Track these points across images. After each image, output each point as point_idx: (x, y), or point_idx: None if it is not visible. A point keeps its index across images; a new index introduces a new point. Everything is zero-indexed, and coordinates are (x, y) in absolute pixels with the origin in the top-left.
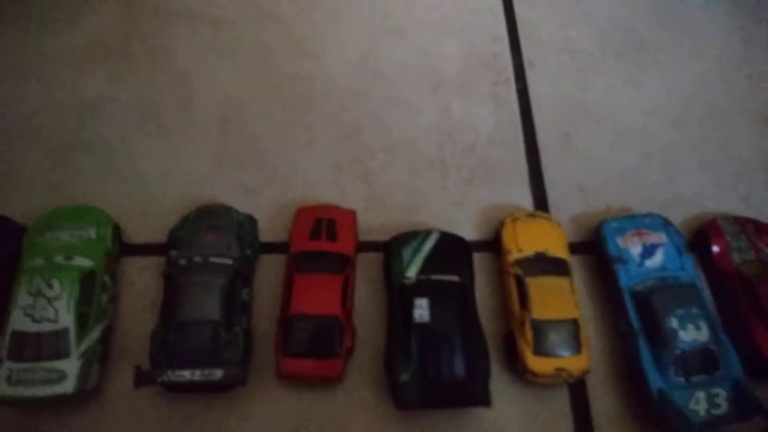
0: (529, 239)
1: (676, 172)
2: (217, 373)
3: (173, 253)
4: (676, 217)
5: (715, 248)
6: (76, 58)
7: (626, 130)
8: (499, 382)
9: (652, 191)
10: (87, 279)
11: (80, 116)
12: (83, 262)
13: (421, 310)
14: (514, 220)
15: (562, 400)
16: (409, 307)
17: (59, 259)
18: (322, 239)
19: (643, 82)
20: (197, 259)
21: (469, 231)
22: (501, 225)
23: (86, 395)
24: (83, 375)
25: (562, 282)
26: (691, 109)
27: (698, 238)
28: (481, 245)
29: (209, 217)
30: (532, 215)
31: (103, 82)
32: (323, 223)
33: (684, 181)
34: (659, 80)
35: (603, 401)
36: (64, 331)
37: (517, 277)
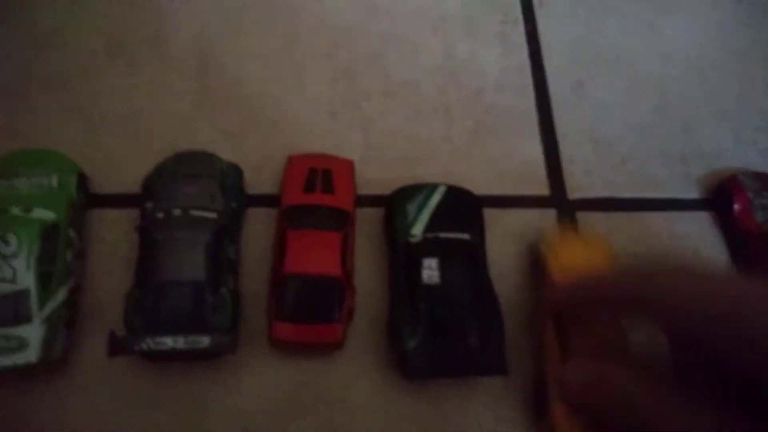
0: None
1: (693, 124)
2: (204, 341)
3: (149, 205)
4: (695, 171)
5: (737, 206)
6: None
7: (642, 77)
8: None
9: (669, 144)
10: (49, 233)
11: (34, 49)
12: (44, 214)
13: (430, 271)
14: (555, 249)
15: None
16: (415, 268)
17: (16, 210)
18: (318, 192)
19: (660, 26)
20: (176, 212)
21: (477, 185)
22: (541, 254)
23: (52, 364)
24: (48, 342)
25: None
26: (709, 55)
27: (717, 194)
28: (491, 200)
29: (189, 165)
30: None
31: (61, 10)
32: (318, 173)
33: (702, 133)
34: (676, 24)
35: None
36: (24, 293)
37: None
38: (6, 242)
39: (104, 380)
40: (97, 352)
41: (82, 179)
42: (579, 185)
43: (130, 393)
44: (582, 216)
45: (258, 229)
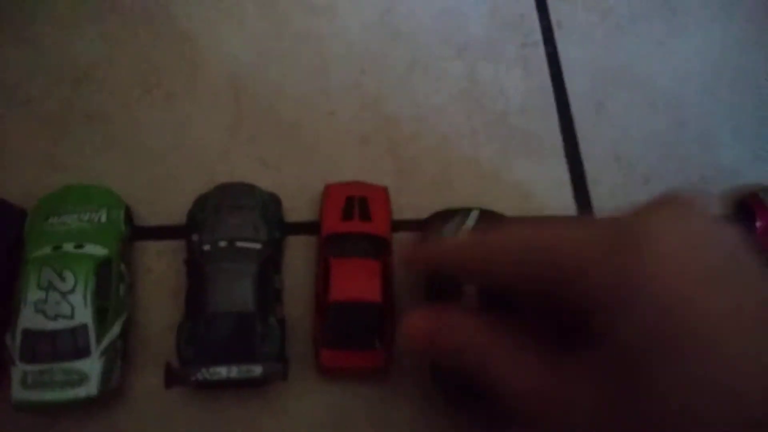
0: None
1: (711, 142)
2: (257, 369)
3: (194, 237)
4: (714, 188)
5: (759, 223)
6: (64, 17)
7: (659, 96)
8: None
9: (689, 162)
10: (103, 269)
11: (74, 83)
12: (96, 249)
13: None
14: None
15: None
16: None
17: (69, 247)
18: (356, 219)
19: (673, 46)
20: (222, 243)
21: (506, 207)
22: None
23: (108, 397)
24: (106, 375)
25: None
26: (722, 74)
27: (738, 212)
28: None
29: (231, 197)
30: None
31: (97, 45)
32: (355, 201)
33: (720, 150)
34: (688, 44)
35: None
36: (83, 328)
37: None
38: (63, 279)
39: (158, 409)
40: (149, 383)
41: (128, 213)
42: (605, 206)
43: (183, 422)
44: None
45: (296, 256)
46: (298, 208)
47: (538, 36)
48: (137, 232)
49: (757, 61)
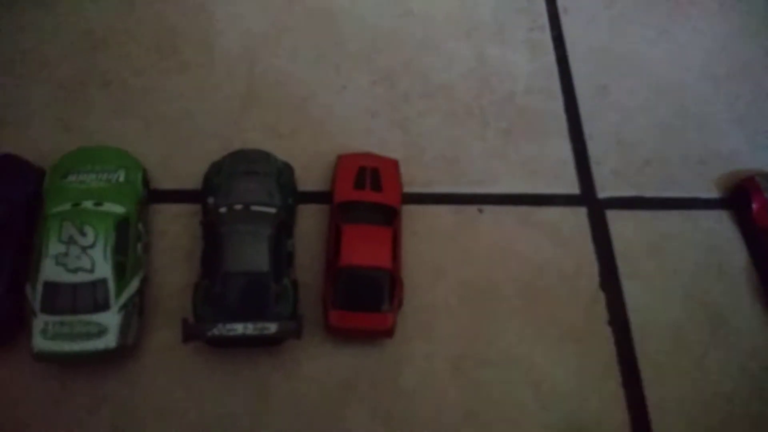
0: None
1: (710, 127)
2: (271, 327)
3: (210, 200)
4: (713, 173)
5: (755, 205)
6: None
7: (661, 83)
8: (547, 338)
9: (688, 146)
10: (121, 226)
11: (90, 48)
12: (115, 207)
13: None
14: None
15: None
16: None
17: (88, 204)
18: (367, 189)
19: (676, 33)
20: (238, 206)
21: (512, 184)
22: None
23: (125, 351)
24: (124, 329)
25: None
26: (723, 62)
27: (735, 195)
28: (525, 198)
29: (247, 162)
30: None
31: (114, 11)
32: (367, 172)
33: (719, 135)
34: (691, 31)
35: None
36: (102, 282)
37: None
38: (83, 234)
39: (172, 365)
40: (165, 338)
41: (145, 175)
42: (607, 185)
43: (197, 378)
44: (611, 214)
45: (308, 223)
46: (309, 177)
47: (545, 20)
48: (153, 195)
49: (758, 50)
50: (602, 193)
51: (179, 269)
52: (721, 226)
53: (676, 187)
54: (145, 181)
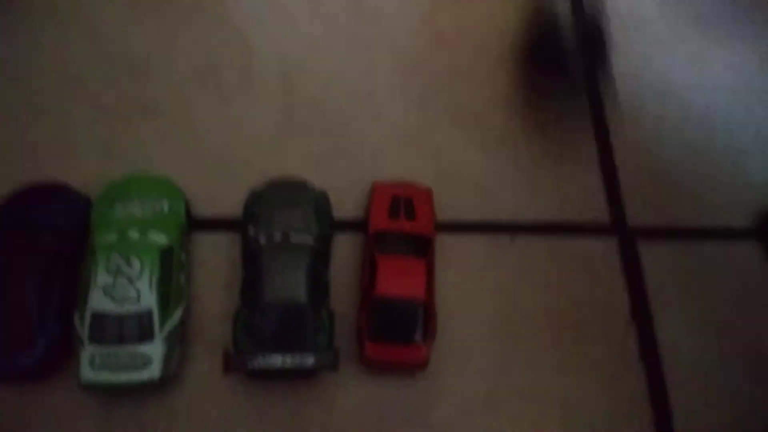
0: None
1: (741, 153)
2: (309, 359)
3: (251, 229)
4: (744, 200)
5: None
6: (122, 11)
7: (691, 108)
8: (578, 373)
9: (719, 173)
10: (165, 256)
11: (131, 75)
12: (159, 237)
13: None
14: None
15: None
16: None
17: (134, 234)
18: (402, 218)
19: (706, 60)
20: (277, 236)
21: (542, 213)
22: None
23: (168, 381)
24: (167, 359)
25: None
26: (753, 87)
27: (765, 224)
28: (556, 228)
29: (285, 192)
30: None
31: (154, 38)
32: (401, 200)
33: (749, 162)
34: (721, 59)
35: None
36: (148, 313)
37: None
38: (130, 265)
39: (211, 396)
40: (204, 368)
41: (187, 205)
42: (638, 213)
43: (235, 408)
44: (643, 243)
45: (344, 252)
46: (344, 205)
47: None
48: (194, 224)
49: None
50: (633, 222)
51: (219, 298)
52: (757, 256)
53: (708, 216)
54: (188, 211)
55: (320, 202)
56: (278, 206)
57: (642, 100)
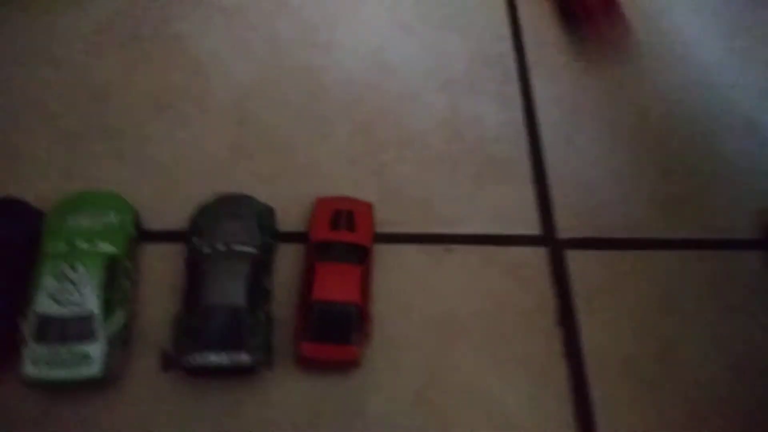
0: None
1: (668, 172)
2: (244, 357)
3: (195, 240)
4: (670, 215)
5: None
6: (87, 42)
7: (622, 130)
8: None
9: (648, 190)
10: (111, 264)
11: (93, 101)
12: (107, 247)
13: None
14: None
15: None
16: None
17: (82, 244)
18: (342, 230)
19: (636, 86)
20: (220, 246)
21: (478, 226)
22: None
23: (108, 380)
24: (108, 358)
25: None
26: (681, 112)
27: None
28: (490, 239)
29: (230, 205)
30: None
31: (116, 68)
32: (342, 214)
33: (676, 180)
34: (651, 84)
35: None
36: (90, 315)
37: None
38: (75, 270)
39: (152, 394)
40: (148, 369)
41: (137, 217)
42: (568, 226)
43: (175, 406)
44: (570, 254)
45: (286, 262)
46: (290, 219)
47: (514, 73)
48: (144, 236)
49: (711, 101)
50: (562, 234)
51: (164, 303)
52: (677, 265)
53: (634, 228)
54: (137, 223)
55: (264, 215)
56: (222, 218)
57: (577, 122)
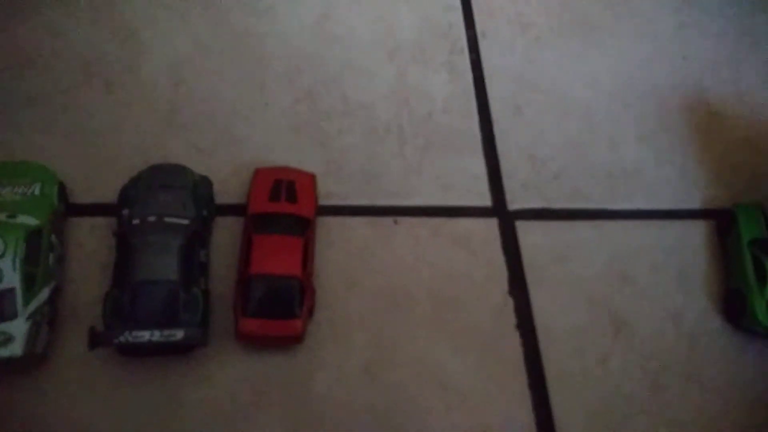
0: None
1: (618, 145)
2: (178, 334)
3: (125, 212)
4: (619, 187)
5: None
6: (9, 2)
7: (572, 103)
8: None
9: (596, 162)
10: (33, 238)
11: (18, 68)
12: (28, 220)
13: None
14: None
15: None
16: None
17: (2, 216)
18: (282, 201)
19: (588, 59)
20: (151, 218)
21: (427, 198)
22: None
23: (35, 359)
24: (31, 337)
25: None
26: (632, 85)
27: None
28: (440, 210)
29: (163, 176)
30: None
31: (42, 33)
32: (283, 184)
33: (626, 153)
34: (603, 57)
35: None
36: (10, 291)
37: None
38: None
39: (83, 375)
40: (76, 349)
41: (63, 189)
42: (518, 198)
43: (108, 387)
44: (521, 225)
45: (225, 235)
46: (229, 191)
47: (464, 44)
48: (72, 209)
49: (663, 74)
50: (512, 206)
51: (94, 280)
52: (625, 235)
53: (583, 199)
54: (62, 195)
55: (199, 186)
56: (154, 189)
57: (526, 94)
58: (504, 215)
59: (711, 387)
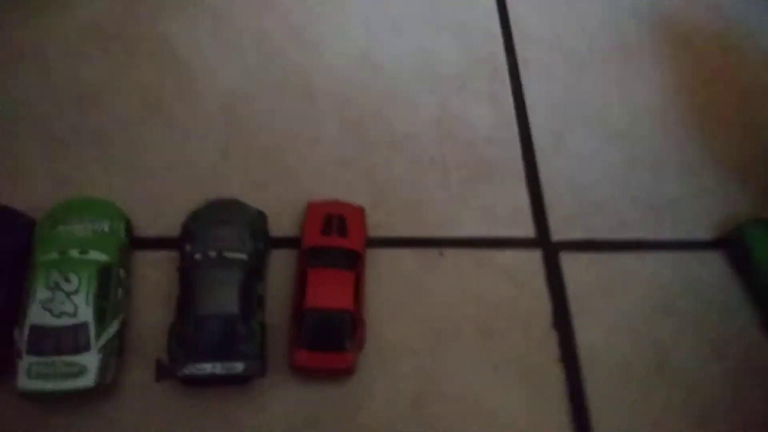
0: None
1: (660, 174)
2: (238, 366)
3: (187, 247)
4: (661, 216)
5: None
6: (73, 44)
7: (614, 131)
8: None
9: (639, 191)
10: (104, 273)
11: (81, 105)
12: (99, 256)
13: None
14: None
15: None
16: None
17: (74, 252)
18: (334, 235)
19: (628, 84)
20: (212, 253)
21: (470, 229)
22: None
23: (104, 390)
24: (102, 369)
25: None
26: (674, 110)
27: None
28: (484, 242)
29: (222, 211)
30: None
31: (103, 70)
32: (333, 218)
33: (667, 182)
34: (642, 81)
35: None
36: (84, 325)
37: None
38: (68, 280)
39: (148, 404)
40: (142, 379)
41: (129, 225)
42: (561, 228)
43: (171, 415)
44: (564, 256)
45: (279, 267)
46: (282, 224)
47: (505, 73)
48: (136, 243)
49: (705, 99)
50: (556, 236)
51: (158, 312)
52: (668, 267)
53: (625, 229)
54: (129, 230)
55: (256, 221)
56: (214, 225)
57: (568, 123)
58: (548, 246)
59: (755, 422)
